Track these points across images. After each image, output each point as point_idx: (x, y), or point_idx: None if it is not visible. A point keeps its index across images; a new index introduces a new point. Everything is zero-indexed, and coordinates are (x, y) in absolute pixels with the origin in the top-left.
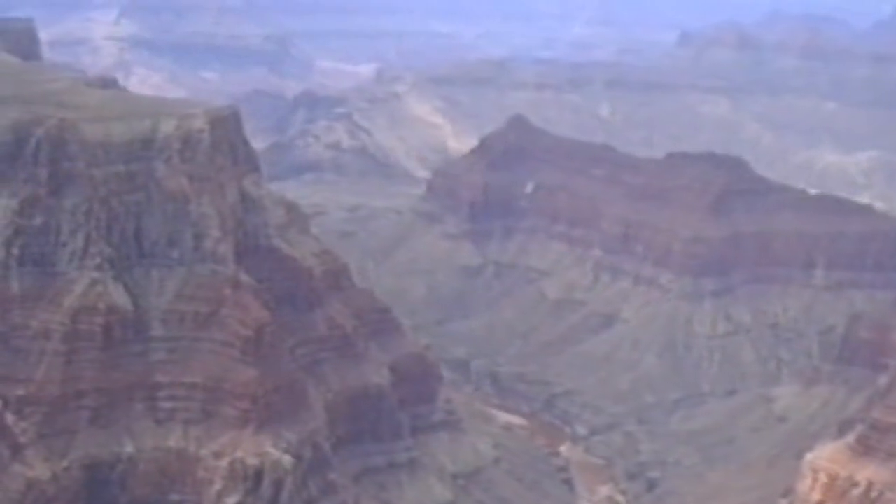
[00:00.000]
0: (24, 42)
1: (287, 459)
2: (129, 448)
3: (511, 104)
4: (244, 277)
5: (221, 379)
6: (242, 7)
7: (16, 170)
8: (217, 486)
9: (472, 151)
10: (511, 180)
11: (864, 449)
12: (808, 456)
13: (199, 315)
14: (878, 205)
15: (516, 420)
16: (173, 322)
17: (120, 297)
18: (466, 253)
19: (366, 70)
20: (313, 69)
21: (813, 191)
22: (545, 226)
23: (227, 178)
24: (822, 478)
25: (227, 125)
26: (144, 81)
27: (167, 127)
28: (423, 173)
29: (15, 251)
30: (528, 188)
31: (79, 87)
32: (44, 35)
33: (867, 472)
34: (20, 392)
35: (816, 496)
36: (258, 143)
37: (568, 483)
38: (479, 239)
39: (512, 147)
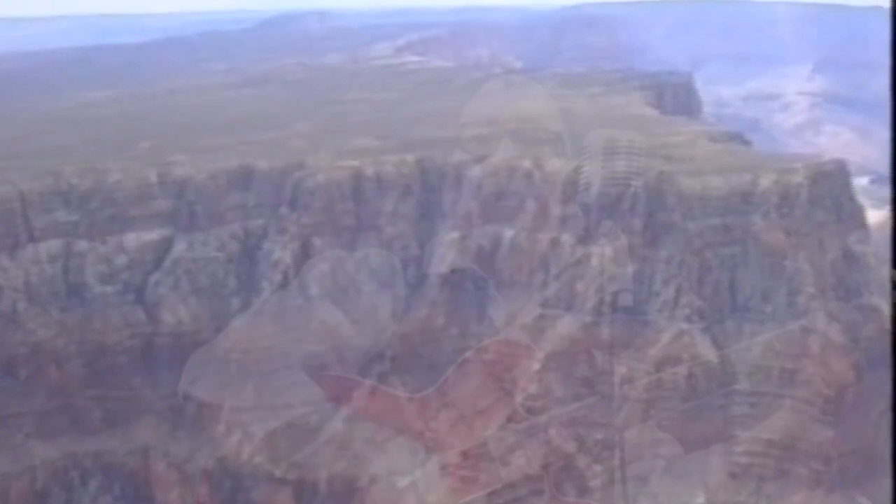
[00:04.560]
0: (681, 95)
1: None
2: (700, 500)
3: None
4: (835, 336)
5: (798, 438)
6: None
7: (614, 219)
8: None
9: None
10: None
11: None
12: None
13: (785, 371)
14: None
15: None
16: (758, 377)
17: (706, 349)
18: None
19: None
20: None
21: None
22: None
23: (828, 234)
24: None
25: (829, 180)
26: (834, 137)
27: (766, 181)
28: None
29: (607, 298)
30: None
31: (698, 140)
32: (737, 90)
33: None
34: (598, 436)
35: None
36: None
37: None
38: None
39: None
